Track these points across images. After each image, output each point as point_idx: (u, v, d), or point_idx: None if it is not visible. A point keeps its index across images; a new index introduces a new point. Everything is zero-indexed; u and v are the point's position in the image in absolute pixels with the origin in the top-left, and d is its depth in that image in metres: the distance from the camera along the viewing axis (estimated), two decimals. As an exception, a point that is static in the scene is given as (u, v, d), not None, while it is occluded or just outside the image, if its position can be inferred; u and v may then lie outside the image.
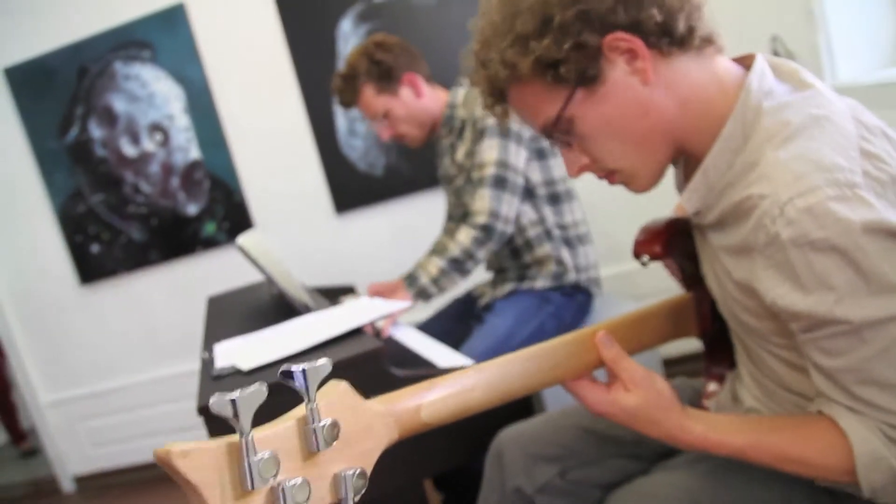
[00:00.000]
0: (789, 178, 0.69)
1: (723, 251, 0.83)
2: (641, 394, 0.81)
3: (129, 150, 2.86)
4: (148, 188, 2.89)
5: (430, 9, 2.58)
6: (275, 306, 1.77)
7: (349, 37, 2.64)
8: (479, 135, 1.73)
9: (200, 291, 2.60)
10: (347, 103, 1.89)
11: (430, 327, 1.93)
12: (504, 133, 1.70)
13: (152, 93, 2.80)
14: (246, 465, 0.51)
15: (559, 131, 0.84)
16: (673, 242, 0.96)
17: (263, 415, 0.58)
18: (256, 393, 0.50)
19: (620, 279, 2.58)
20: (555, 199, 1.80)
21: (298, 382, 0.54)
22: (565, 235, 1.82)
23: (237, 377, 1.20)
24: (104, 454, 3.22)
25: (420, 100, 1.86)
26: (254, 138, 2.81)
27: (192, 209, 2.89)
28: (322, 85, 2.63)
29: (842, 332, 0.70)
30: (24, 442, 4.03)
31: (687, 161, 0.90)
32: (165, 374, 3.06)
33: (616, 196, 2.51)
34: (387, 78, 1.82)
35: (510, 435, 1.14)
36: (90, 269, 2.99)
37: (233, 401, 0.49)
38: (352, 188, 2.78)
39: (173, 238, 2.92)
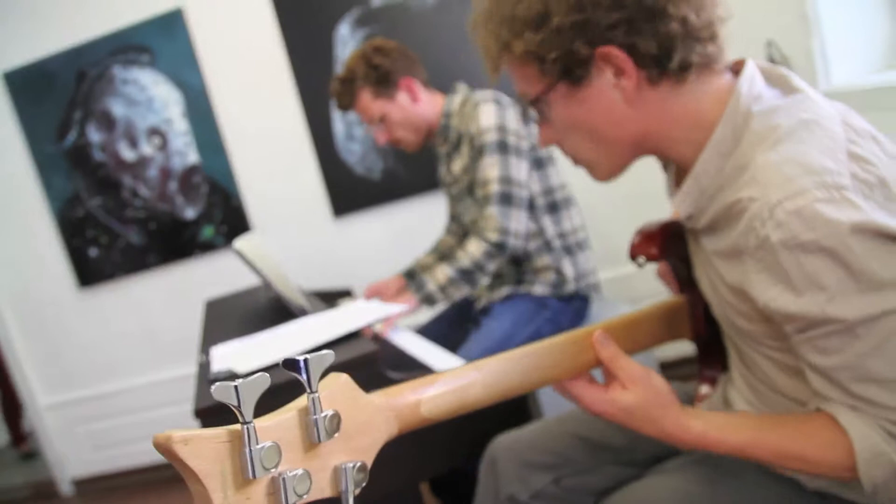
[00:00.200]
0: (778, 180, 0.70)
1: (715, 255, 0.84)
2: (639, 391, 0.81)
3: (127, 154, 2.87)
4: (146, 192, 2.89)
5: (428, 13, 2.59)
6: (272, 310, 1.77)
7: (347, 41, 2.65)
8: (479, 153, 1.74)
9: (198, 295, 2.60)
10: (345, 107, 1.90)
11: (427, 330, 1.94)
12: (503, 149, 1.71)
13: (151, 97, 2.80)
14: (247, 453, 0.51)
15: (535, 109, 0.87)
16: (668, 245, 0.97)
17: (262, 415, 0.58)
18: (259, 380, 0.50)
19: (617, 282, 2.59)
20: (553, 207, 1.81)
21: (301, 371, 0.54)
22: (565, 244, 1.82)
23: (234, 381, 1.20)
24: (103, 457, 3.21)
25: (417, 105, 1.86)
26: (252, 142, 2.82)
27: (190, 213, 2.89)
28: (320, 89, 2.65)
29: (835, 330, 0.70)
30: (24, 444, 4.02)
31: (678, 167, 0.90)
32: (164, 377, 3.06)
33: (613, 200, 2.55)
34: (384, 82, 1.82)
35: (504, 442, 1.14)
36: (89, 273, 2.99)
37: (235, 387, 0.49)
38: (349, 192, 2.78)
39: (171, 242, 2.93)
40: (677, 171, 0.91)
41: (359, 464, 0.59)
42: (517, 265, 1.84)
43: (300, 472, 0.55)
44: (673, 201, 0.88)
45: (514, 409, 1.36)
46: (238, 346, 1.41)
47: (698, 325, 1.01)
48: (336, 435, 0.57)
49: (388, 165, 2.74)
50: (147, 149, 2.85)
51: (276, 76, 2.73)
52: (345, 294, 2.18)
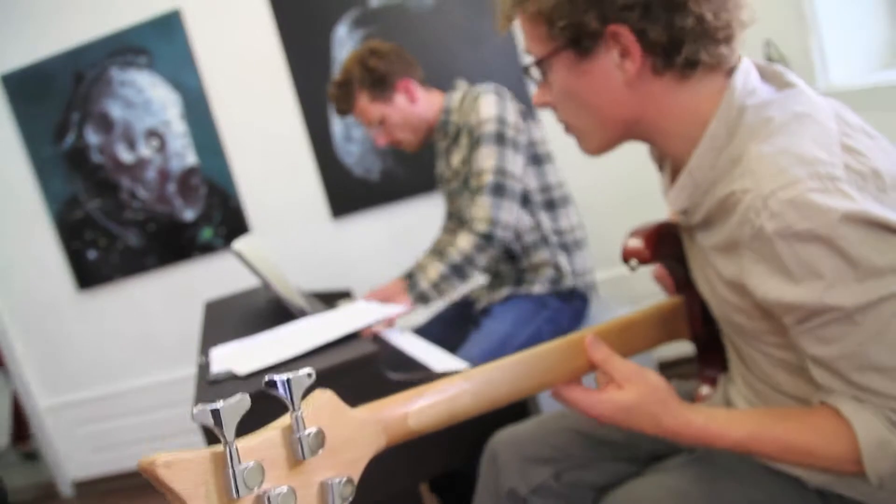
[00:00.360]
0: (772, 171, 0.70)
1: (711, 250, 0.84)
2: (636, 389, 0.81)
3: (125, 156, 2.87)
4: (145, 194, 2.89)
5: (426, 13, 2.59)
6: (271, 311, 1.78)
7: (345, 42, 2.64)
8: (476, 143, 1.74)
9: (197, 296, 2.61)
10: (343, 111, 1.90)
11: (427, 331, 1.94)
12: (500, 140, 1.71)
13: (149, 99, 2.80)
14: (231, 474, 0.51)
15: (538, 69, 0.87)
16: (662, 246, 0.96)
17: (262, 416, 0.59)
18: (240, 402, 0.50)
19: (616, 283, 2.58)
20: (551, 204, 1.81)
21: (282, 392, 0.54)
22: (562, 241, 1.82)
23: (233, 382, 1.20)
24: (103, 459, 3.22)
25: (415, 105, 1.86)
26: (250, 144, 2.82)
27: (188, 215, 2.89)
28: (318, 90, 2.64)
29: (834, 319, 0.70)
30: (25, 443, 4.03)
31: (673, 165, 0.90)
32: (164, 378, 3.07)
33: (611, 200, 2.55)
34: (381, 85, 1.82)
35: (504, 437, 1.14)
36: (87, 275, 3.00)
37: (215, 411, 0.49)
38: (348, 193, 2.78)
39: (170, 243, 2.93)
40: (672, 170, 0.91)
41: (345, 478, 0.59)
42: (515, 263, 1.84)
43: (285, 489, 0.55)
44: (668, 198, 0.88)
45: (512, 408, 1.36)
46: (237, 347, 1.42)
47: (696, 325, 1.01)
48: (321, 451, 0.57)
49: (387, 166, 2.74)
50: (145, 151, 2.85)
51: (275, 77, 2.73)
52: (344, 295, 2.18)
